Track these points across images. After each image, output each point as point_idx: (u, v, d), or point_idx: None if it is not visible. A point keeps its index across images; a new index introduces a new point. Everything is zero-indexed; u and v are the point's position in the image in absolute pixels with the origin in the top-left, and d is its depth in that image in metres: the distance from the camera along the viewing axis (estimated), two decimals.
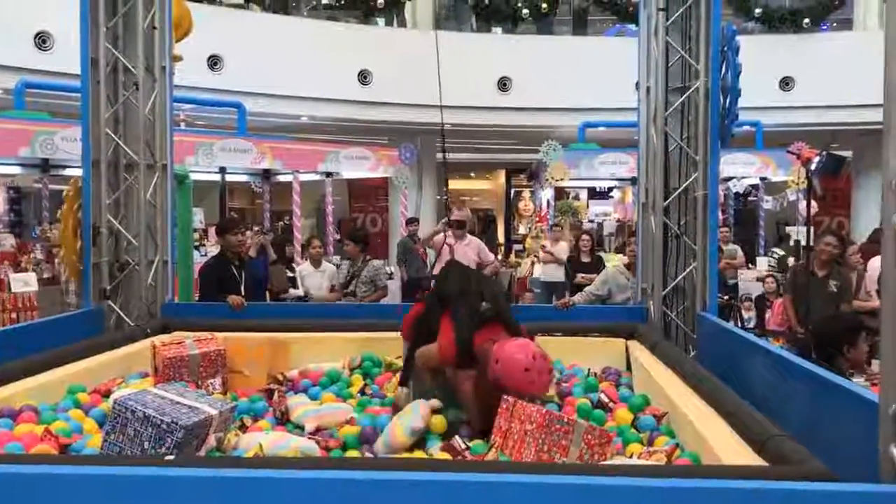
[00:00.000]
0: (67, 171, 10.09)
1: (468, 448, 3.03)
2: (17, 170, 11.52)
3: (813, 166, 6.07)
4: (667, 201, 5.09)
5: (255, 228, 10.40)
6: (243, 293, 5.91)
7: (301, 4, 15.58)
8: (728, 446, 2.72)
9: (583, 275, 9.40)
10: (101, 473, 2.03)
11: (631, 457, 3.04)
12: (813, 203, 6.39)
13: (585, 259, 9.83)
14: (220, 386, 4.34)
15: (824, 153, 6.10)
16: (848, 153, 14.50)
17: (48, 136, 9.37)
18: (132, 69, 5.23)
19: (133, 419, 2.83)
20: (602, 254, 11.80)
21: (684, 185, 5.07)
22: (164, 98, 5.42)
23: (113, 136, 5.23)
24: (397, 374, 4.58)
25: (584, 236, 10.23)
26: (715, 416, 3.10)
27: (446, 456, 2.96)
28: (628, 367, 4.73)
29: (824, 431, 2.68)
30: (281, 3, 15.05)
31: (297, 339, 4.89)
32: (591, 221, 16.15)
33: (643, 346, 4.68)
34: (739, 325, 8.73)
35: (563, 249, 10.98)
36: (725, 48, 4.90)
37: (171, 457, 2.56)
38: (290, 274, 9.05)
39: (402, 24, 15.46)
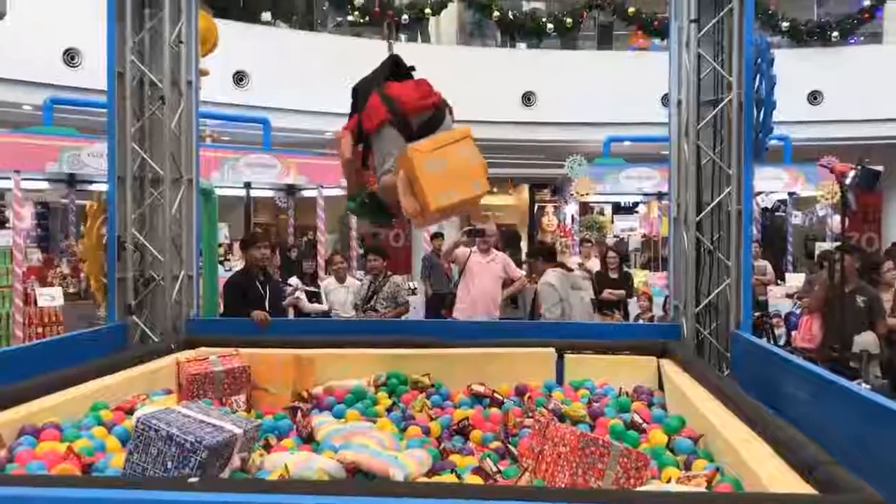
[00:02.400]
0: (94, 186, 10.16)
1: (500, 472, 2.93)
2: (44, 185, 11.63)
3: (848, 180, 5.93)
4: (699, 216, 4.98)
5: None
6: (267, 308, 5.87)
7: (327, 21, 15.66)
8: (772, 471, 2.60)
9: (610, 291, 9.36)
10: (122, 498, 1.96)
11: (668, 481, 2.92)
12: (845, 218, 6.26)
13: (613, 275, 9.76)
14: (245, 403, 4.27)
15: (860, 167, 5.96)
16: (880, 167, 14.28)
17: (75, 152, 9.43)
18: (158, 84, 5.22)
19: (156, 438, 2.77)
20: (629, 269, 11.67)
21: (717, 200, 4.96)
22: (191, 113, 5.41)
23: (139, 150, 5.22)
24: (424, 391, 4.51)
25: (611, 252, 10.16)
26: (756, 439, 2.98)
27: (478, 479, 2.87)
28: (660, 386, 4.60)
29: (871, 455, 2.56)
30: (306, 20, 15.14)
31: (321, 355, 4.83)
32: (617, 237, 16.00)
33: (676, 364, 4.56)
34: (772, 342, 8.56)
35: (595, 265, 10.92)
36: (759, 60, 4.80)
37: (195, 479, 2.49)
38: (314, 289, 9.01)
39: (426, 40, 15.49)
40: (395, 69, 4.20)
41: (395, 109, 3.90)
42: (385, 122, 3.90)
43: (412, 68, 4.21)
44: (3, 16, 4.24)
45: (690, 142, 4.98)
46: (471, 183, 3.77)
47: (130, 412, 3.82)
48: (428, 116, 3.96)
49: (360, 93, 4.19)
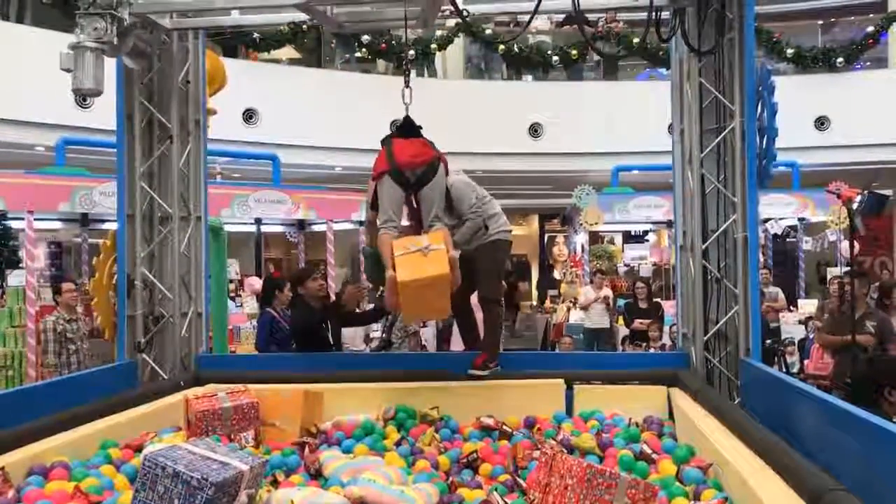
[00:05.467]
0: (106, 225, 10.26)
1: None
2: (57, 224, 11.75)
3: (855, 205, 5.94)
4: (705, 244, 4.98)
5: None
6: (332, 341, 5.90)
7: (335, 58, 15.86)
8: (782, 501, 2.57)
9: (640, 320, 9.51)
10: None
11: None
12: (854, 243, 6.23)
13: (643, 305, 9.88)
14: (253, 439, 4.27)
15: (866, 192, 5.98)
16: (888, 192, 14.24)
17: (86, 192, 9.55)
18: (167, 123, 5.30)
19: (163, 475, 2.77)
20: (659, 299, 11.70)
21: (723, 227, 4.96)
22: (199, 151, 5.47)
23: (148, 189, 5.29)
24: (432, 424, 4.49)
25: (640, 283, 10.38)
26: (765, 468, 2.96)
27: None
28: (670, 416, 4.57)
29: (882, 484, 2.53)
30: (314, 57, 15.36)
31: (330, 389, 4.82)
32: (627, 265, 15.97)
33: (686, 393, 4.53)
34: (783, 369, 8.48)
35: (610, 295, 11.02)
36: (761, 88, 4.82)
37: None
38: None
39: (433, 74, 15.64)
40: (409, 129, 4.78)
41: (393, 163, 4.56)
42: (385, 173, 4.57)
43: (420, 128, 4.81)
44: (100, 93, 4.57)
45: (694, 170, 4.99)
46: (433, 312, 4.79)
47: (139, 450, 3.82)
48: (421, 172, 4.59)
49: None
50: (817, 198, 13.20)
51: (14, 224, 9.95)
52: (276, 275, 12.04)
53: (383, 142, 4.79)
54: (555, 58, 15.10)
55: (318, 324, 5.90)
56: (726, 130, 4.94)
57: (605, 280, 11.82)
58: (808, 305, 12.01)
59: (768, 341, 8.29)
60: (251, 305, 11.64)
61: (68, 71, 4.48)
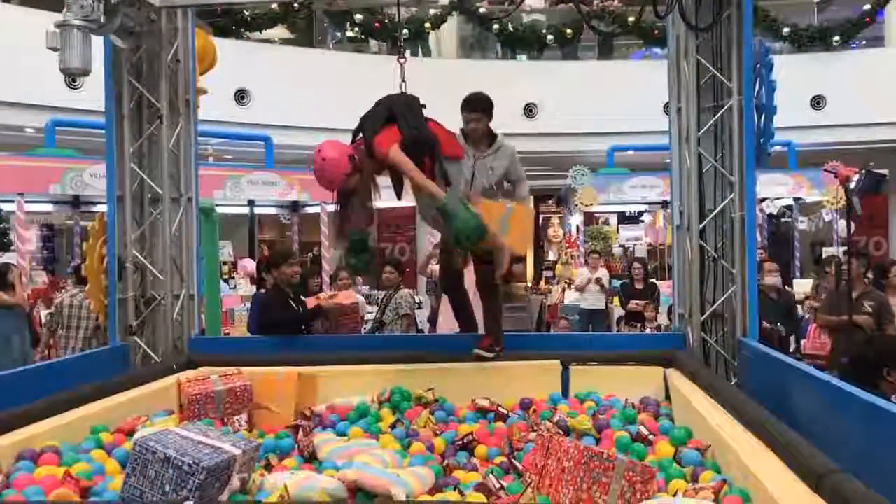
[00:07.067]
0: (98, 207, 10.18)
1: (503, 487, 2.88)
2: (49, 207, 11.67)
3: (852, 185, 5.90)
4: (702, 223, 4.93)
5: None
6: (303, 326, 5.80)
7: (327, 38, 15.72)
8: (781, 482, 2.54)
9: (636, 301, 9.49)
10: None
11: (675, 494, 2.87)
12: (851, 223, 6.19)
13: (639, 286, 9.87)
14: (247, 423, 4.24)
15: (864, 171, 5.93)
16: (884, 171, 14.22)
17: (77, 173, 9.48)
18: (156, 103, 5.22)
19: (154, 460, 2.73)
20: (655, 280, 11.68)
21: (720, 207, 4.91)
22: (189, 131, 5.40)
23: (138, 170, 5.21)
24: (427, 406, 4.45)
25: (636, 264, 10.37)
26: (764, 449, 2.92)
27: (480, 497, 2.81)
28: (667, 397, 4.54)
29: (881, 465, 2.50)
30: (307, 37, 15.21)
31: (324, 372, 4.79)
32: (622, 246, 15.94)
33: (683, 374, 4.49)
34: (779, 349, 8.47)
35: (605, 276, 10.99)
36: (759, 65, 4.76)
37: (191, 502, 2.44)
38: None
39: (427, 53, 15.51)
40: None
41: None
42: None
43: (424, 106, 4.82)
44: (88, 73, 4.52)
45: (691, 149, 4.93)
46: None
47: (131, 434, 3.77)
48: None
49: (399, 114, 4.64)
50: (813, 177, 13.18)
51: (4, 206, 9.88)
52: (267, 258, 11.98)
53: (402, 112, 4.67)
54: (549, 37, 14.97)
55: (282, 306, 5.76)
56: (724, 108, 4.87)
57: (600, 261, 11.80)
58: (802, 285, 12.00)
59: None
60: (245, 287, 11.59)
61: (55, 50, 4.40)
